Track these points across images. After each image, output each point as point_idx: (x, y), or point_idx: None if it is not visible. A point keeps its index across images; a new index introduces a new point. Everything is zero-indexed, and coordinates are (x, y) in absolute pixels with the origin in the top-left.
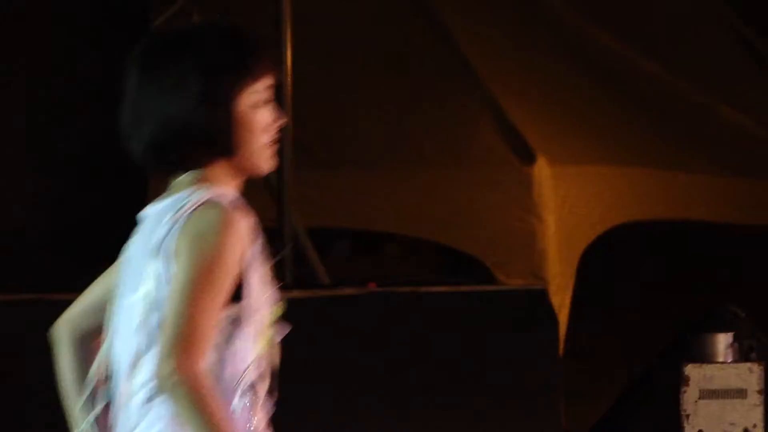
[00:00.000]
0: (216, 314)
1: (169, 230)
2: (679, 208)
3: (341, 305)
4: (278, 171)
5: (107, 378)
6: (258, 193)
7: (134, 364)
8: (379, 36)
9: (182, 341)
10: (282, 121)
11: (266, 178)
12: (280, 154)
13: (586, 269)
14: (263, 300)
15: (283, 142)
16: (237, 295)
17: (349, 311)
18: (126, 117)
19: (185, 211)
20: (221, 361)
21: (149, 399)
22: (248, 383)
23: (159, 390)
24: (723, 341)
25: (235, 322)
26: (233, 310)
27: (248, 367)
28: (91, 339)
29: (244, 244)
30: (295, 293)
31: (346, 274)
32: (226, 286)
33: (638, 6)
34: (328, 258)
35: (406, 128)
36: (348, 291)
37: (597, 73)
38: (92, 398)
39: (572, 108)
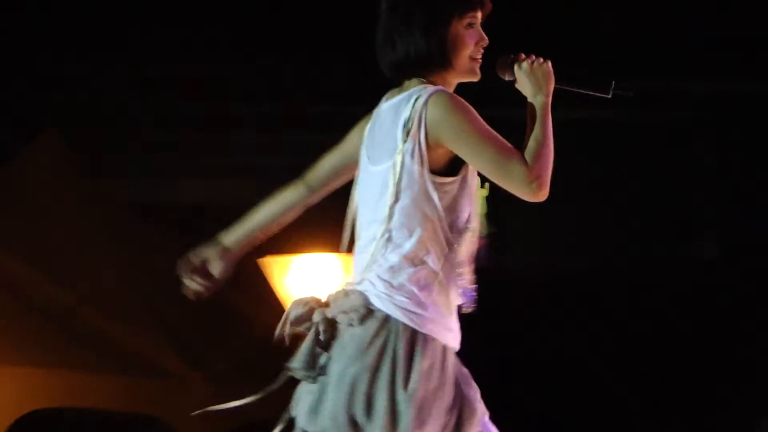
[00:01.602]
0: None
1: (411, 112)
2: (71, 400)
3: None
4: None
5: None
6: None
7: (379, 226)
8: None
9: (513, 165)
10: (485, 41)
11: None
12: None
13: None
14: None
15: None
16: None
17: None
18: (378, 41)
19: (424, 98)
20: (454, 211)
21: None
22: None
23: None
24: None
25: (462, 184)
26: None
27: (468, 224)
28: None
29: None
30: None
31: None
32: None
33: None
34: None
35: None
36: None
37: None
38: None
39: None
